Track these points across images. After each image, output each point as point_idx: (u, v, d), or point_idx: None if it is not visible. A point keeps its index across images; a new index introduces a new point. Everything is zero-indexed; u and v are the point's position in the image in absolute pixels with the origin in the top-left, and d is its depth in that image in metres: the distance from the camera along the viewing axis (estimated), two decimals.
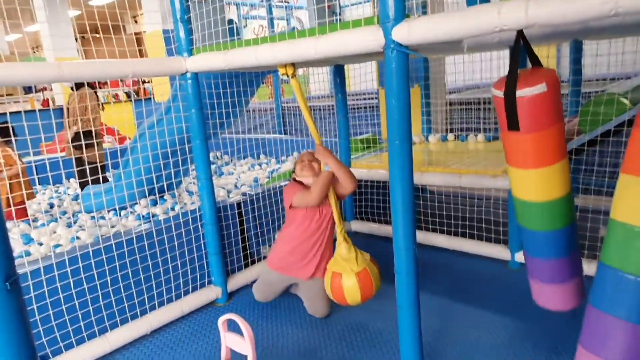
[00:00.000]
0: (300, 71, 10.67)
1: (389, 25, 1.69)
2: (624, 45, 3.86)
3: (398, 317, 2.05)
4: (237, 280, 3.06)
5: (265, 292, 2.84)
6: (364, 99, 6.38)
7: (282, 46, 2.08)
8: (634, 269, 1.22)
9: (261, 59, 2.19)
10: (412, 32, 1.63)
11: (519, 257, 3.03)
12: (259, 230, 3.32)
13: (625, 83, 3.41)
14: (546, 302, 1.80)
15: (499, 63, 3.32)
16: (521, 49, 1.51)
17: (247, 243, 3.22)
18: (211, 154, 4.73)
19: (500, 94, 1.50)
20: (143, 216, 3.45)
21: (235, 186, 4.38)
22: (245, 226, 3.21)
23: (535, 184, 1.58)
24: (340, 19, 1.97)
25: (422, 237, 3.46)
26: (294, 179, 2.77)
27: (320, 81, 5.70)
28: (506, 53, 2.89)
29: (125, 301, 2.57)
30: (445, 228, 3.46)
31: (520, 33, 1.50)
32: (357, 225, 3.98)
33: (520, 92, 1.45)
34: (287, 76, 2.35)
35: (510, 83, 1.47)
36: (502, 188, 3.03)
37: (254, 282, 2.99)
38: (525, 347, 2.25)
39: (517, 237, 3.00)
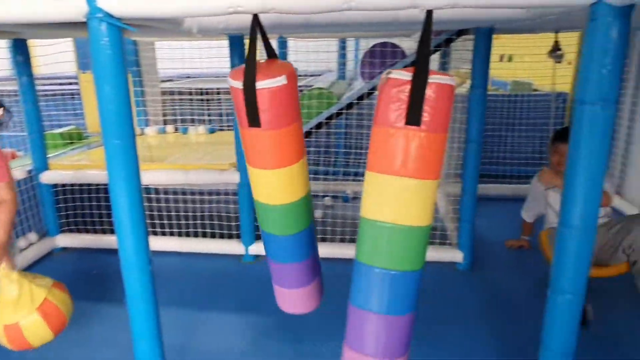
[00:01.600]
0: None
1: None
2: (319, 45, 4.38)
3: (134, 348, 1.70)
4: None
5: None
6: (61, 84, 5.34)
7: None
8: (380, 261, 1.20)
9: None
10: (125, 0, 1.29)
11: (252, 249, 3.03)
12: None
13: (327, 79, 3.88)
14: (290, 307, 1.73)
15: (218, 52, 3.21)
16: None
17: None
18: None
19: (238, 85, 1.32)
20: None
21: None
22: None
23: (278, 186, 1.45)
24: None
25: (151, 243, 3.07)
26: None
27: None
28: (221, 43, 2.80)
29: None
30: (175, 230, 3.18)
31: (255, 18, 1.36)
32: (65, 240, 3.24)
33: (261, 84, 1.30)
34: None
35: (249, 73, 1.30)
36: (231, 182, 2.95)
37: None
38: (271, 346, 2.22)
39: (250, 230, 2.99)
